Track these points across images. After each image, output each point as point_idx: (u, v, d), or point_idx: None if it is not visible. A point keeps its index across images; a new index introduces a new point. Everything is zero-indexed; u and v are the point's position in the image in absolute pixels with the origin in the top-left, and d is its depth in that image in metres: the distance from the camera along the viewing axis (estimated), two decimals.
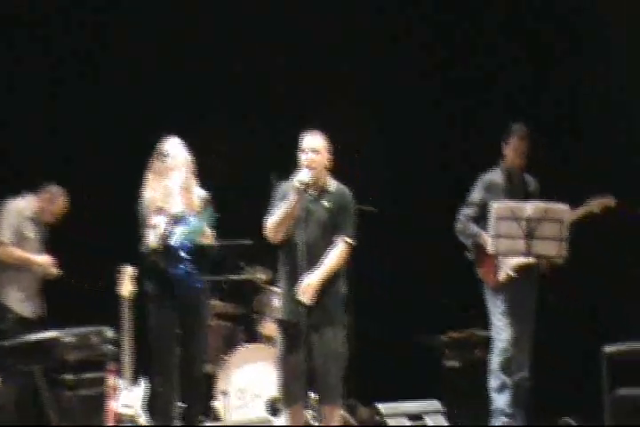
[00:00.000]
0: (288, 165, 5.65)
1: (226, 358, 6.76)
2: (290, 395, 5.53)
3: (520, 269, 6.47)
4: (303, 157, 5.60)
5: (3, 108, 7.15)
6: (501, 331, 6.50)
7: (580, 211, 6.41)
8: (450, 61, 7.76)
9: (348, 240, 5.58)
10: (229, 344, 6.98)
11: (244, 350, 6.85)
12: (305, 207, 5.55)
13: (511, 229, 6.07)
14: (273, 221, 5.56)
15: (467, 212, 6.65)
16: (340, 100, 7.50)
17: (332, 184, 5.68)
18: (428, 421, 6.66)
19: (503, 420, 6.50)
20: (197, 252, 5.98)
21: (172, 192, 5.89)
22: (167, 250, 5.88)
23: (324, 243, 5.54)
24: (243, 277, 7.14)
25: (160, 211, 5.84)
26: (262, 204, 5.75)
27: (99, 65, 7.50)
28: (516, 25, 7.58)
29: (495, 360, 6.52)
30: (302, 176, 5.52)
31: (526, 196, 6.56)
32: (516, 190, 6.64)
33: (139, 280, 6.07)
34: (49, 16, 7.42)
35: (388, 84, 7.70)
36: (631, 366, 5.87)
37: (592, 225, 6.44)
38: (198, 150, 6.06)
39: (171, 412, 5.94)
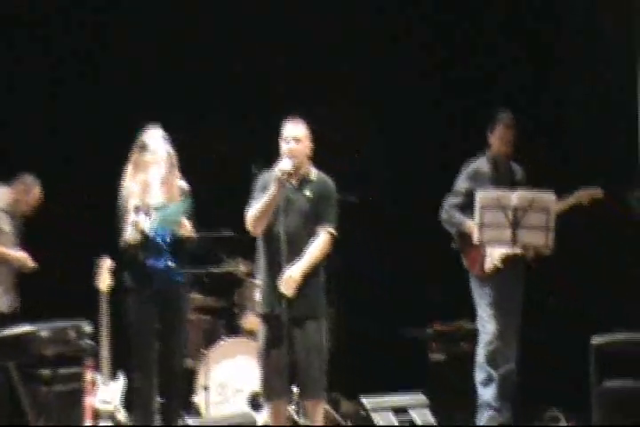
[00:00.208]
0: (269, 154, 5.61)
1: (206, 352, 6.73)
2: (272, 390, 5.50)
3: (506, 260, 6.46)
4: (284, 146, 5.57)
5: None
6: (487, 323, 6.48)
7: (568, 202, 6.39)
8: (450, 61, 7.80)
9: (331, 230, 5.55)
10: (210, 338, 6.96)
11: (225, 345, 6.82)
12: (286, 197, 5.51)
13: (497, 218, 6.06)
14: (254, 213, 5.52)
15: (452, 201, 6.64)
16: (339, 100, 7.53)
17: (314, 173, 5.64)
18: (414, 414, 6.66)
19: (489, 413, 6.48)
20: (177, 244, 5.94)
21: (151, 187, 5.86)
22: (146, 243, 5.84)
23: (306, 233, 5.51)
24: (223, 269, 7.12)
25: (138, 206, 5.80)
26: (243, 194, 5.72)
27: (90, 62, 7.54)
28: (516, 25, 7.62)
29: (481, 353, 6.50)
30: (283, 165, 5.48)
31: (513, 184, 6.54)
32: (502, 179, 6.62)
33: (117, 273, 6.04)
34: (49, 16, 7.43)
35: (388, 84, 7.76)
36: (620, 357, 5.88)
37: (579, 216, 6.43)
38: (184, 144, 6.06)
39: (150, 407, 5.89)
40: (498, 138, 6.61)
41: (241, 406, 6.72)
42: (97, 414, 6.11)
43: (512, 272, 6.53)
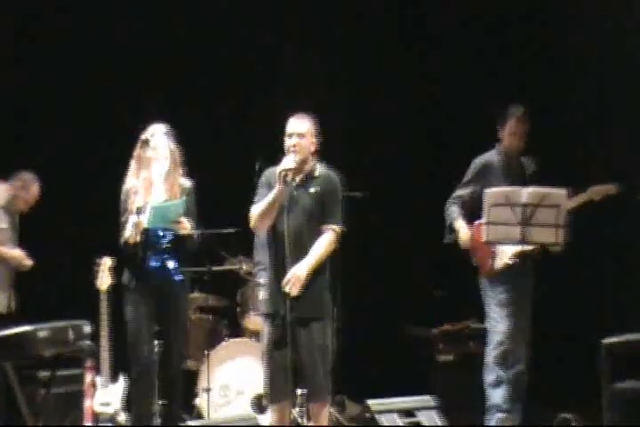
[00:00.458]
0: (275, 150, 5.59)
1: (208, 353, 6.66)
2: (276, 392, 5.47)
3: (517, 257, 6.42)
4: (288, 142, 5.54)
5: None
6: (497, 323, 6.45)
7: (580, 198, 6.35)
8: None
9: (336, 228, 5.51)
10: (212, 339, 6.91)
11: (228, 345, 6.78)
12: (290, 195, 5.47)
13: (506, 215, 6.02)
14: (257, 211, 5.50)
15: (458, 192, 6.63)
16: (326, 86, 7.54)
17: (319, 169, 5.60)
18: (421, 417, 6.62)
19: (499, 416, 6.45)
20: (176, 243, 5.91)
21: (153, 184, 5.84)
22: (145, 241, 5.82)
23: (310, 231, 5.48)
24: (225, 267, 7.07)
25: (140, 207, 5.78)
26: (246, 191, 5.70)
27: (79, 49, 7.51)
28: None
29: (491, 354, 6.46)
30: (286, 163, 5.45)
31: (524, 180, 6.50)
32: (513, 174, 6.58)
33: (118, 273, 6.02)
34: (47, 14, 7.44)
35: (387, 69, 7.80)
36: (631, 358, 5.80)
37: (591, 212, 6.41)
38: (181, 137, 6.06)
39: (149, 410, 5.88)
40: (509, 133, 6.57)
41: (244, 409, 6.69)
42: (97, 418, 6.08)
43: (522, 270, 6.49)
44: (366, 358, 7.38)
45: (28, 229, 6.91)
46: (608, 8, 7.10)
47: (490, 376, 6.48)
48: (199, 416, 6.67)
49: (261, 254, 6.35)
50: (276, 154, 5.56)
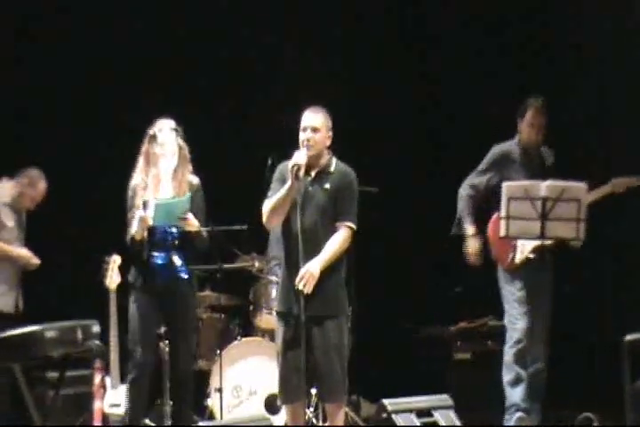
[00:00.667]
0: (289, 144, 5.55)
1: (220, 352, 6.65)
2: (290, 392, 5.42)
3: (537, 251, 6.38)
4: (302, 136, 5.49)
5: None
6: (516, 320, 6.42)
7: (602, 191, 6.33)
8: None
9: (350, 225, 5.46)
10: (223, 338, 6.89)
11: (240, 345, 6.77)
12: (303, 191, 5.43)
13: (525, 209, 5.97)
14: (269, 206, 5.46)
15: (475, 181, 6.61)
16: (326, 86, 7.50)
17: (334, 165, 5.54)
18: (438, 417, 6.58)
19: (518, 415, 6.41)
20: (184, 240, 5.88)
21: (161, 181, 5.82)
22: (151, 238, 5.80)
23: (324, 229, 5.43)
24: (237, 265, 7.05)
25: (146, 201, 5.76)
26: (258, 187, 5.68)
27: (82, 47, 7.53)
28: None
29: (509, 352, 6.43)
30: (298, 158, 5.40)
31: (544, 172, 6.46)
32: (532, 166, 6.55)
33: (126, 271, 5.99)
34: (49, 15, 7.46)
35: (387, 69, 7.83)
36: None
37: (614, 206, 6.40)
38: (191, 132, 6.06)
39: (142, 411, 5.85)
40: (528, 125, 6.54)
41: (257, 409, 6.66)
42: (107, 419, 6.06)
43: (542, 265, 6.47)
44: (382, 357, 7.37)
45: (35, 227, 6.90)
46: (608, 8, 7.11)
47: (508, 375, 6.45)
48: (211, 417, 6.63)
49: (276, 249, 6.34)
50: (290, 148, 5.50)
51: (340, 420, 5.52)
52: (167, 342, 5.92)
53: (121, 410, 6.09)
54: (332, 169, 5.53)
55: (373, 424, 6.75)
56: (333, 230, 5.46)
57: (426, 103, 7.96)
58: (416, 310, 7.52)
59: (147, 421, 6.16)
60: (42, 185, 6.87)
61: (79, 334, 5.94)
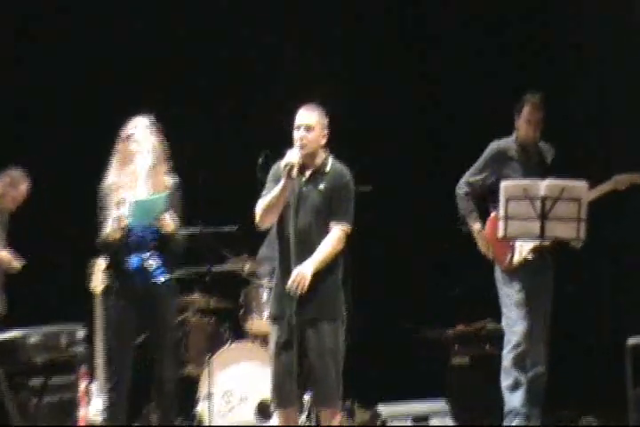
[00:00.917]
0: (281, 143, 5.51)
1: (210, 358, 6.58)
2: (283, 396, 5.36)
3: (536, 252, 6.35)
4: (295, 135, 5.43)
5: None
6: (515, 323, 6.37)
7: (603, 188, 6.30)
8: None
9: (344, 227, 5.40)
10: (213, 343, 6.82)
11: (230, 349, 6.73)
12: (297, 191, 5.37)
13: (524, 209, 5.94)
14: (261, 207, 5.41)
15: (471, 179, 6.57)
16: (327, 86, 7.46)
17: (329, 164, 5.48)
18: (435, 422, 6.59)
19: (517, 421, 6.36)
20: (160, 241, 5.82)
21: (137, 179, 5.77)
22: (126, 239, 5.74)
23: (318, 230, 5.37)
24: (227, 267, 7.00)
25: (121, 200, 5.71)
26: (250, 187, 5.65)
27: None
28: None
29: (507, 356, 6.38)
30: (291, 157, 5.33)
31: (543, 169, 6.42)
32: (531, 163, 6.51)
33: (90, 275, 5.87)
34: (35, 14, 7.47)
35: (387, 69, 7.86)
36: None
37: (613, 206, 6.40)
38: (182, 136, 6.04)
39: (118, 418, 5.77)
40: (525, 121, 6.49)
41: (247, 416, 6.63)
42: None
43: (541, 266, 6.43)
44: (378, 360, 7.36)
45: (16, 228, 6.83)
46: (608, 8, 7.14)
47: (507, 379, 6.40)
48: (200, 424, 6.58)
49: (267, 251, 6.29)
50: (283, 147, 5.46)
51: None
52: (145, 348, 5.86)
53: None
54: (328, 169, 5.47)
55: None
56: (328, 232, 5.40)
57: (426, 103, 7.98)
58: (413, 311, 7.51)
59: None
60: (24, 186, 6.81)
61: (63, 340, 6.15)
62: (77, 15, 7.45)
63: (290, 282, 5.28)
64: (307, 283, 5.27)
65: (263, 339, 6.64)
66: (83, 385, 5.93)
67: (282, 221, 5.42)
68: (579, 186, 5.96)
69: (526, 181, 6.09)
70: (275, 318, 5.46)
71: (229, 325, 7.02)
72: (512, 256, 6.43)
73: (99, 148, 6.85)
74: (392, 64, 7.91)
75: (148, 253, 5.79)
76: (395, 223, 7.70)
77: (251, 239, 6.66)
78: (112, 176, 5.82)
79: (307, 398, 5.97)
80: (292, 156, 5.34)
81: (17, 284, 6.77)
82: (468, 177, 6.60)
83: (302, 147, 5.39)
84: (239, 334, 6.98)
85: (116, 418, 5.77)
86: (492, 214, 6.45)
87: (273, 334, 5.45)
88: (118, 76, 7.44)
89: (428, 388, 6.74)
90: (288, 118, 5.47)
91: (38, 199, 6.88)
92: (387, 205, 7.51)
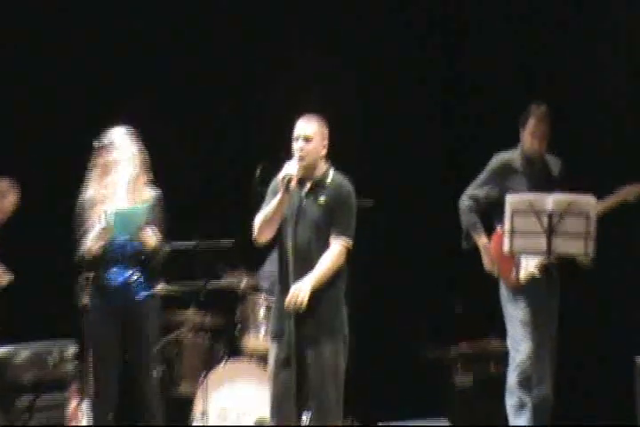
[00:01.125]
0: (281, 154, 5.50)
1: (204, 376, 6.58)
2: (281, 416, 5.34)
3: (543, 268, 6.32)
4: (294, 146, 5.40)
5: None
6: (520, 342, 6.33)
7: (613, 199, 6.26)
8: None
9: (345, 242, 5.35)
10: (208, 361, 6.79)
11: (225, 368, 6.69)
12: (297, 205, 5.33)
13: (530, 224, 5.89)
14: (258, 221, 5.37)
15: (475, 192, 6.52)
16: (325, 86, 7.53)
17: (330, 176, 5.43)
18: None
19: None
20: (142, 255, 5.79)
21: (118, 190, 5.73)
22: (106, 254, 5.70)
23: (318, 246, 5.33)
24: (223, 283, 6.96)
25: (104, 213, 5.66)
26: (246, 200, 5.63)
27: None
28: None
29: (512, 375, 6.35)
30: (289, 169, 5.30)
31: (549, 182, 6.39)
32: (537, 177, 6.46)
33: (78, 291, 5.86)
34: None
35: (387, 70, 7.84)
36: None
37: (621, 219, 6.34)
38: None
39: None
40: (530, 133, 6.45)
41: None
42: None
43: (548, 283, 6.38)
44: (377, 381, 7.31)
45: (5, 240, 6.77)
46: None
47: (511, 400, 6.36)
48: None
49: (271, 266, 6.26)
50: (283, 159, 5.43)
51: None
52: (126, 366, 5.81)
53: None
54: (329, 181, 5.42)
55: None
56: (327, 247, 5.34)
57: (432, 115, 8.00)
58: (414, 329, 7.49)
59: None
60: (12, 196, 6.73)
61: (53, 357, 6.09)
62: (76, 15, 7.48)
63: (287, 300, 5.23)
64: (304, 301, 5.23)
65: (260, 357, 6.61)
66: (73, 404, 5.99)
67: (280, 236, 5.37)
68: (586, 200, 5.91)
69: (532, 195, 6.05)
70: (274, 336, 5.41)
71: (225, 342, 6.96)
72: (517, 272, 6.38)
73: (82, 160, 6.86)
74: (393, 65, 7.90)
75: (130, 269, 5.74)
76: (396, 238, 7.67)
77: (248, 254, 6.62)
78: (91, 189, 5.78)
79: (305, 418, 5.87)
80: (291, 168, 5.30)
81: (5, 298, 6.71)
82: (471, 190, 6.55)
83: (301, 158, 5.35)
84: (235, 352, 6.92)
85: None
86: (497, 229, 6.41)
87: (272, 351, 5.40)
88: (117, 75, 7.44)
89: (429, 408, 6.75)
90: (288, 129, 5.43)
91: (28, 211, 6.81)
92: (388, 220, 7.48)
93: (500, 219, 6.15)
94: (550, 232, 5.88)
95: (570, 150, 6.67)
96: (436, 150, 7.91)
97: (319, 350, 5.29)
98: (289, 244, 5.29)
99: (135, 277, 5.77)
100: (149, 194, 5.82)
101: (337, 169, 5.48)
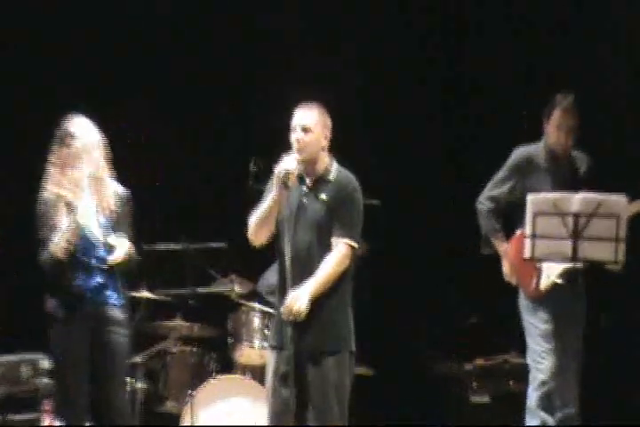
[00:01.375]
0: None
1: (193, 392, 6.50)
2: None
3: (567, 276, 6.05)
4: (292, 138, 5.15)
5: None
6: (541, 358, 6.07)
7: None
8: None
9: (350, 243, 5.09)
10: (197, 376, 6.74)
11: (216, 383, 6.59)
12: (296, 202, 5.10)
13: (553, 227, 5.65)
14: (253, 220, 5.14)
15: (493, 193, 6.29)
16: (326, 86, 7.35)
17: (334, 171, 5.19)
18: None
19: None
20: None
21: (81, 183, 5.47)
22: (74, 258, 5.44)
23: (320, 249, 5.10)
24: (214, 289, 6.84)
25: (68, 208, 5.41)
26: (239, 199, 5.57)
27: None
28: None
29: (532, 395, 6.08)
30: (287, 163, 5.06)
31: (575, 181, 6.16)
32: (561, 174, 6.22)
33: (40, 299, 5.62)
34: None
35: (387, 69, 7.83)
36: None
37: None
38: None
39: None
40: (555, 126, 6.19)
41: None
42: None
43: (573, 293, 6.13)
44: (388, 398, 7.22)
45: None
46: None
47: (532, 421, 6.10)
48: None
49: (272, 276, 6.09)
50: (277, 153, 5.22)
51: None
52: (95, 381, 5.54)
53: None
54: (332, 177, 5.19)
55: None
56: (330, 251, 5.10)
57: (444, 112, 7.94)
58: (427, 342, 7.44)
59: None
60: None
61: (25, 371, 6.03)
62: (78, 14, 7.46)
63: (283, 309, 5.01)
64: (302, 309, 5.00)
65: (254, 371, 6.53)
66: (46, 423, 5.92)
67: (279, 238, 5.15)
68: (617, 201, 5.66)
69: (557, 195, 5.79)
70: (273, 348, 5.19)
71: (215, 355, 6.89)
72: (538, 280, 6.11)
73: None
74: (408, 71, 7.85)
75: (100, 273, 5.50)
76: (406, 242, 7.60)
77: (242, 257, 6.53)
78: (52, 188, 5.51)
79: None
80: (289, 162, 5.07)
81: None
82: (490, 190, 6.29)
83: (299, 150, 5.11)
84: (227, 365, 6.87)
85: None
86: (518, 232, 6.13)
87: (271, 365, 5.19)
88: (116, 75, 7.44)
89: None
90: (288, 129, 5.25)
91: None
92: (397, 222, 7.39)
93: (521, 221, 5.89)
94: (576, 236, 5.64)
95: (598, 146, 6.45)
96: (436, 150, 7.83)
97: (321, 365, 5.10)
98: (287, 246, 5.03)
99: (105, 283, 5.52)
100: (118, 194, 5.59)
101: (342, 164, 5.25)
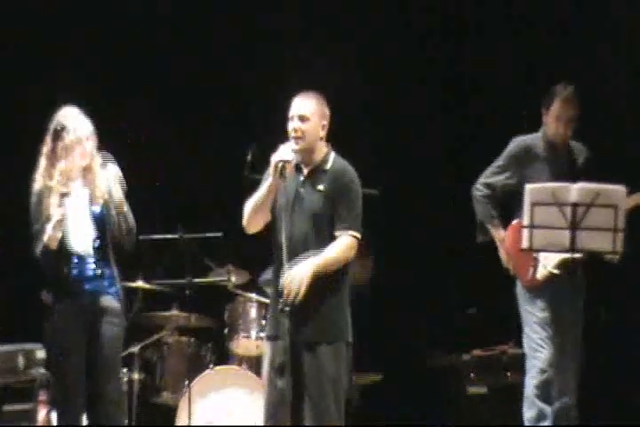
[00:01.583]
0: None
1: (189, 383, 6.53)
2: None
3: (565, 267, 6.10)
4: (289, 127, 5.19)
5: None
6: (539, 347, 6.14)
7: None
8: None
9: (355, 234, 5.13)
10: (193, 367, 6.74)
11: (212, 374, 6.63)
12: (292, 193, 5.13)
13: (552, 217, 5.69)
14: (247, 208, 5.18)
15: (490, 180, 6.33)
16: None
17: (331, 161, 5.21)
18: None
19: None
20: (107, 248, 5.55)
21: (72, 174, 5.49)
22: (67, 248, 5.46)
23: (316, 237, 5.14)
24: (210, 279, 6.86)
25: (59, 200, 5.42)
26: (236, 189, 5.58)
27: None
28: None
29: (530, 384, 6.15)
30: (283, 152, 5.09)
31: (573, 171, 6.20)
32: (559, 164, 6.27)
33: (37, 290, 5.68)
34: None
35: (387, 67, 7.88)
36: None
37: None
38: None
39: None
40: (554, 116, 6.24)
41: None
42: None
43: (571, 282, 6.16)
44: (385, 389, 7.27)
45: None
46: None
47: (530, 411, 6.17)
48: None
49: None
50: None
51: None
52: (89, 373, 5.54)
53: None
54: (329, 166, 5.21)
55: None
56: (328, 243, 5.12)
57: (444, 101, 7.99)
58: (424, 333, 7.45)
59: None
60: None
61: (20, 361, 6.04)
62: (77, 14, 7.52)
63: (284, 283, 5.00)
64: (302, 288, 5.01)
65: (251, 362, 6.57)
66: (42, 413, 5.94)
67: (275, 228, 5.17)
68: (616, 191, 5.71)
69: (555, 185, 5.84)
70: (269, 338, 5.22)
71: (212, 346, 6.91)
72: (535, 270, 6.18)
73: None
74: (408, 71, 7.90)
75: (96, 262, 5.52)
76: (404, 232, 7.62)
77: (238, 247, 6.57)
78: (43, 180, 5.53)
79: None
80: (285, 152, 5.10)
81: None
82: (486, 177, 6.34)
83: (296, 140, 5.14)
84: (223, 356, 6.89)
85: None
86: (514, 222, 6.19)
87: (267, 356, 5.22)
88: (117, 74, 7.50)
89: (442, 419, 6.73)
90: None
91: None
92: (398, 222, 7.44)
93: (519, 211, 5.93)
94: (574, 226, 5.67)
95: (596, 137, 6.53)
96: (436, 150, 7.88)
97: (318, 357, 5.12)
98: (283, 237, 5.04)
99: (101, 272, 5.54)
100: (109, 173, 5.56)
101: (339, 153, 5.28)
